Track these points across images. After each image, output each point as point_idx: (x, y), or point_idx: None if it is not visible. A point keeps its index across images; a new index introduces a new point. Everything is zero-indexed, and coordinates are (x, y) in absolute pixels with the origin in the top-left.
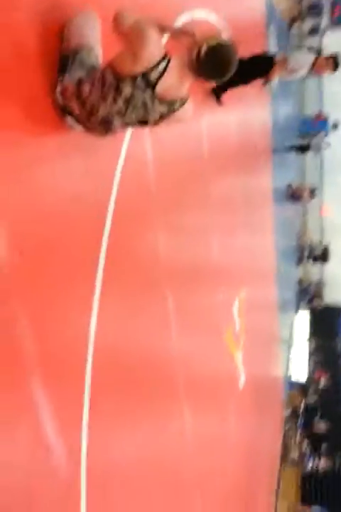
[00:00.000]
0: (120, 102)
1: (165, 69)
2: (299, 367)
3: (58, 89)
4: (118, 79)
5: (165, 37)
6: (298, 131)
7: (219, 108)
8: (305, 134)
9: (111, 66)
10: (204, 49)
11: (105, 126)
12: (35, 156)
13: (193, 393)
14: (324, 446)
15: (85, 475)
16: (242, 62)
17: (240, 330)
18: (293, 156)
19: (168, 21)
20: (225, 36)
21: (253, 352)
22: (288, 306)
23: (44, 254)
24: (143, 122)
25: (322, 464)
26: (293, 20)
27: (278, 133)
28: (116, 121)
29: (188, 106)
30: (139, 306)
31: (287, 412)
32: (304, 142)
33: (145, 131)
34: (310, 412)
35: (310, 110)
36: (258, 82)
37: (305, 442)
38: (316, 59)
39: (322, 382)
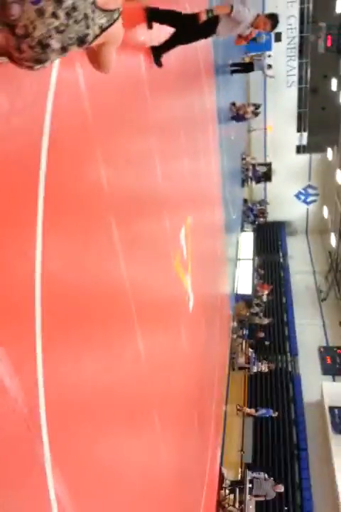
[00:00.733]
0: (61, 15)
1: None
2: (245, 282)
3: None
4: None
5: None
6: (241, 49)
7: (151, 26)
8: (248, 52)
9: None
10: None
11: (41, 51)
12: None
13: (145, 319)
14: (266, 350)
15: (44, 408)
16: (186, 21)
17: (188, 255)
18: (236, 76)
19: None
20: None
21: (201, 274)
22: (234, 227)
23: None
24: (83, 40)
25: (265, 367)
26: None
27: (220, 51)
28: (55, 43)
29: (120, 22)
30: (85, 239)
31: (234, 323)
32: (247, 61)
33: (76, 56)
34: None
35: None
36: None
37: (251, 349)
38: (257, 16)
39: (265, 294)
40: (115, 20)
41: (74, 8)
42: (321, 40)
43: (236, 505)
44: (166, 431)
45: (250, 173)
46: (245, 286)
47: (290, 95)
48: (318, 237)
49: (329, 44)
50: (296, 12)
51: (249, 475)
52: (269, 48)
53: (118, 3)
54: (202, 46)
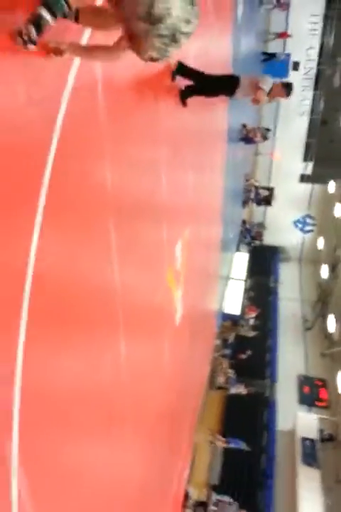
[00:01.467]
0: None
1: None
2: (234, 302)
3: None
4: None
5: None
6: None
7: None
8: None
9: None
10: None
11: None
12: None
13: (131, 326)
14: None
15: (19, 397)
16: (211, 79)
17: (181, 268)
18: None
19: None
20: None
21: (192, 288)
22: (230, 245)
23: None
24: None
25: (243, 389)
26: None
27: (238, 68)
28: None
29: None
30: (82, 236)
31: (218, 341)
32: None
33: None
34: (238, 342)
35: (272, 48)
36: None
37: (231, 370)
38: (273, 85)
39: (252, 317)
40: None
41: None
42: (337, 75)
43: None
44: (136, 442)
45: (252, 195)
46: (234, 306)
47: (301, 124)
48: (310, 267)
49: None
50: (317, 44)
51: (214, 497)
52: (286, 75)
53: None
54: (220, 64)
